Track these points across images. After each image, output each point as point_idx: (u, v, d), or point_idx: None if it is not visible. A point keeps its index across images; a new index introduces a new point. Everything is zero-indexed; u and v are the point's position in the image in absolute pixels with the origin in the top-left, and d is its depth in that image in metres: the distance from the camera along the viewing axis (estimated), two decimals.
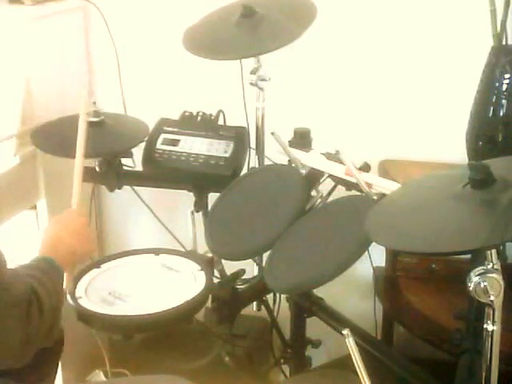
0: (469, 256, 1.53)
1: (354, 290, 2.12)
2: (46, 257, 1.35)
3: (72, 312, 1.55)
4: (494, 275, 1.01)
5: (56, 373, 1.58)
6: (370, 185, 1.42)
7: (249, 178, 1.72)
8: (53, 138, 1.82)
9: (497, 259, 1.02)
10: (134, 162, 1.86)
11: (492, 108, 1.71)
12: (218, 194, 1.66)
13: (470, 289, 1.02)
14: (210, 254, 1.70)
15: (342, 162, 1.50)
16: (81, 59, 2.21)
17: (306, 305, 1.60)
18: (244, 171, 1.82)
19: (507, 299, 1.04)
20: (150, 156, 1.83)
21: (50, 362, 1.53)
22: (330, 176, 1.55)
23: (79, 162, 1.57)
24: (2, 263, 1.17)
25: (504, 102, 1.69)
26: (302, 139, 1.72)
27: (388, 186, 1.40)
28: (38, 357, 1.44)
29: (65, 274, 1.41)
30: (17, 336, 1.16)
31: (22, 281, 1.21)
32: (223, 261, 1.80)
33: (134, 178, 1.92)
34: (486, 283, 1.01)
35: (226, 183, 1.67)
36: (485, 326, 1.05)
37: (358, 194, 1.46)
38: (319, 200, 1.52)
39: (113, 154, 1.82)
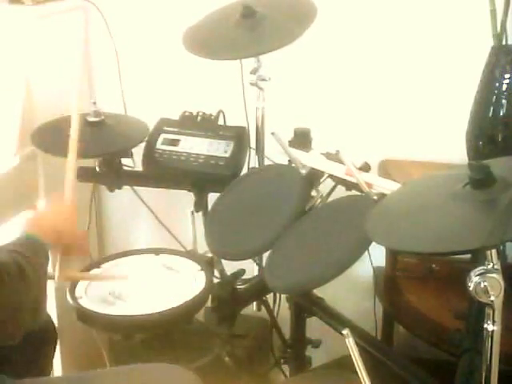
0: (469, 256, 1.54)
1: (354, 290, 2.12)
2: (29, 234, 1.32)
3: (72, 312, 1.56)
4: (494, 275, 1.01)
5: (51, 368, 1.59)
6: (370, 185, 1.42)
7: (249, 177, 1.72)
8: (53, 138, 1.81)
9: (497, 259, 1.02)
10: (134, 161, 1.86)
11: (492, 108, 1.71)
12: (218, 194, 1.67)
13: (471, 289, 1.02)
14: (209, 254, 1.71)
15: (342, 162, 1.50)
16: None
17: (306, 305, 1.60)
18: (244, 171, 1.82)
19: (507, 299, 1.04)
20: (150, 156, 1.83)
21: (45, 356, 1.54)
22: (330, 176, 1.55)
23: (73, 158, 1.55)
24: None
25: (504, 102, 1.69)
26: (302, 139, 1.72)
27: (388, 186, 1.40)
28: (33, 351, 1.45)
29: (53, 256, 1.39)
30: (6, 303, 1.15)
31: (6, 253, 1.21)
32: (223, 261, 1.80)
33: (134, 178, 1.92)
34: (486, 283, 1.01)
35: (226, 183, 1.68)
36: (485, 325, 1.05)
37: (358, 193, 1.46)
38: (319, 200, 1.52)
39: (113, 154, 1.82)
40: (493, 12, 1.68)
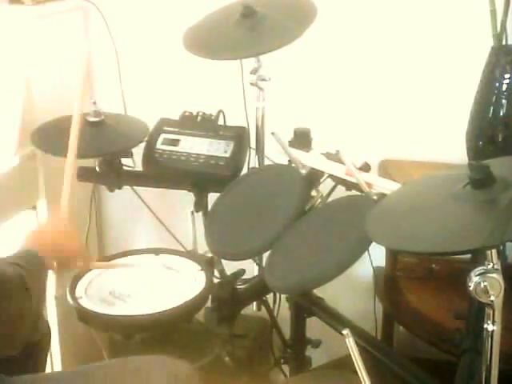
0: (469, 256, 1.54)
1: (354, 290, 2.12)
2: (29, 250, 1.32)
3: (72, 312, 1.56)
4: (494, 275, 1.01)
5: (45, 366, 1.59)
6: (370, 185, 1.42)
7: (249, 177, 1.72)
8: (53, 137, 1.81)
9: (497, 259, 1.02)
10: (134, 161, 1.86)
11: (492, 108, 1.71)
12: (218, 194, 1.67)
13: (470, 289, 1.02)
14: (209, 254, 1.71)
15: (342, 162, 1.50)
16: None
17: (305, 305, 1.60)
18: (244, 171, 1.82)
19: (507, 299, 1.04)
20: (150, 156, 1.83)
21: (38, 356, 1.54)
22: (330, 176, 1.55)
23: (71, 165, 1.55)
24: None
25: (504, 102, 1.69)
26: (302, 139, 1.72)
27: (388, 186, 1.40)
28: (26, 350, 1.45)
29: (51, 272, 1.39)
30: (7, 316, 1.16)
31: (7, 266, 1.21)
32: (223, 261, 1.80)
33: (134, 178, 1.92)
34: (486, 283, 1.01)
35: (226, 183, 1.68)
36: (485, 326, 1.05)
37: (358, 193, 1.46)
38: (319, 200, 1.52)
39: (113, 154, 1.82)
40: (493, 12, 1.68)
